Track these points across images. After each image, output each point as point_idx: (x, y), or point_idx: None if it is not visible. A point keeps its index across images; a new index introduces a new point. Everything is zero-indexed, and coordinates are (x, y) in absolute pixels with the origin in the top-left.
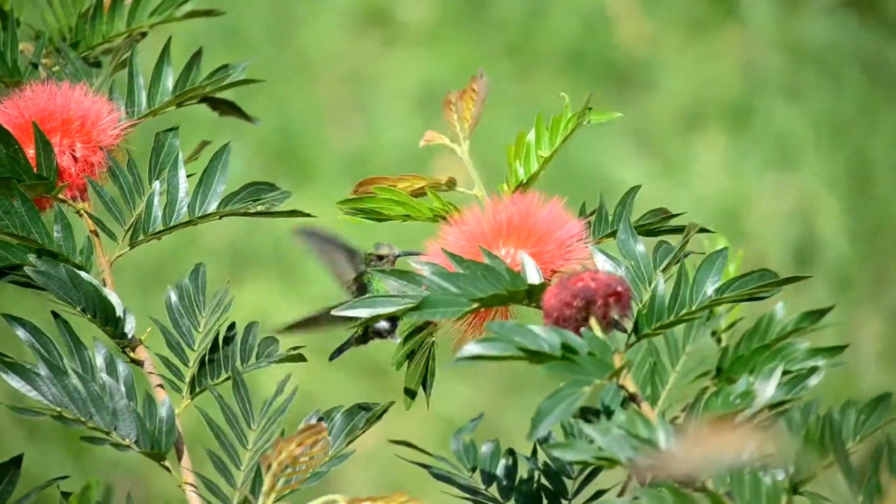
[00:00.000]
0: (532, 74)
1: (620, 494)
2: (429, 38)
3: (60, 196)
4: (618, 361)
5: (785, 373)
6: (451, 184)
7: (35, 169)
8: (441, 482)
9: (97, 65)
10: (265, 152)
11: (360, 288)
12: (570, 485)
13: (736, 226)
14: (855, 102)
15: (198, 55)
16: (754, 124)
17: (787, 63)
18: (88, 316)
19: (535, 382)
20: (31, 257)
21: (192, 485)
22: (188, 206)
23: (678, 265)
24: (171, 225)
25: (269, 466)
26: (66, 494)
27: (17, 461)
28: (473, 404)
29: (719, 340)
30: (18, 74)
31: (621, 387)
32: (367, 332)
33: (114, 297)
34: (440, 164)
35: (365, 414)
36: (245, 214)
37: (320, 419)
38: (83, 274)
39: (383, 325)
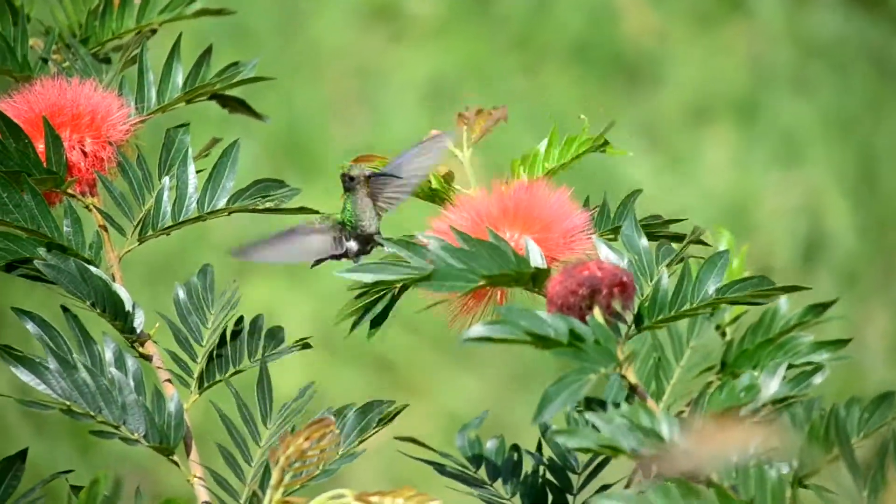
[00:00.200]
0: (539, 68)
1: (626, 488)
2: (436, 33)
3: (70, 191)
4: (620, 352)
5: (790, 367)
6: (449, 178)
7: (45, 163)
8: (447, 477)
9: (107, 61)
10: (273, 148)
11: (341, 231)
12: (576, 480)
13: (743, 220)
14: (863, 97)
15: (208, 52)
16: (762, 119)
17: (795, 57)
18: (98, 310)
19: (542, 376)
20: (41, 251)
21: (200, 478)
22: (197, 202)
23: (682, 265)
24: (180, 220)
25: (276, 460)
26: (75, 489)
27: (21, 455)
28: (479, 398)
29: (723, 335)
30: (28, 70)
31: (623, 377)
32: (345, 254)
33: (123, 292)
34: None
35: (378, 411)
36: (254, 211)
37: (333, 416)
38: (92, 268)
39: (353, 247)
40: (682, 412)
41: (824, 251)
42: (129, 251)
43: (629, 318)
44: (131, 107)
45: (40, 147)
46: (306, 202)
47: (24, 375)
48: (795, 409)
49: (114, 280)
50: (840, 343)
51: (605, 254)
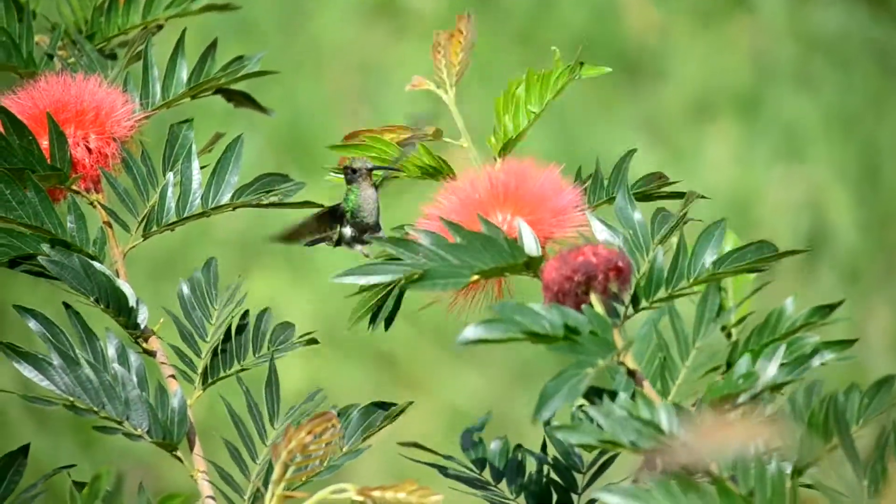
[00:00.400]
0: (542, 64)
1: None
2: (438, 28)
3: (74, 187)
4: (618, 338)
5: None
6: (438, 135)
7: (49, 160)
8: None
9: (112, 57)
10: (276, 143)
11: (341, 216)
12: (581, 479)
13: (745, 216)
14: (865, 93)
15: (213, 46)
16: (764, 115)
17: (798, 53)
18: (101, 306)
19: (545, 370)
20: (45, 247)
21: (204, 473)
22: (201, 198)
23: (678, 237)
24: (185, 216)
25: (278, 455)
26: (78, 485)
27: (24, 450)
28: (482, 394)
29: (729, 335)
30: (34, 65)
31: (621, 363)
32: (340, 240)
33: (127, 288)
34: (447, 154)
35: (382, 412)
36: (258, 206)
37: (337, 415)
38: (96, 264)
39: (347, 233)
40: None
41: (826, 247)
42: (133, 247)
43: (626, 299)
44: (136, 102)
45: (44, 143)
46: (309, 197)
47: (28, 371)
48: (795, 395)
49: (118, 276)
50: (846, 343)
51: (599, 232)
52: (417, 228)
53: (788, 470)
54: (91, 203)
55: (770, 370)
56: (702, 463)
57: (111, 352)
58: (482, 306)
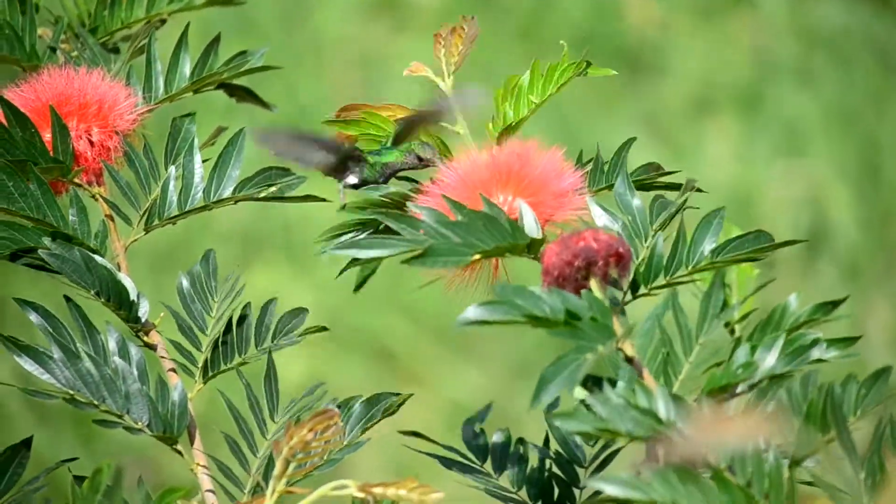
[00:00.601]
0: (543, 59)
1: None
2: (439, 23)
3: (76, 180)
4: (617, 325)
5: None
6: (436, 117)
7: (51, 152)
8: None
9: (116, 51)
10: None
11: (351, 164)
12: (583, 473)
13: (746, 212)
14: (866, 89)
15: (216, 41)
16: (765, 110)
17: (799, 49)
18: (102, 300)
19: (543, 365)
20: (46, 240)
21: (204, 467)
22: (203, 191)
23: (677, 225)
24: (187, 210)
25: (280, 451)
26: (78, 479)
27: (26, 443)
28: (481, 387)
29: (732, 331)
30: (37, 59)
31: (619, 350)
32: (333, 172)
33: (128, 282)
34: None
35: (383, 404)
36: (260, 199)
37: (338, 407)
38: (98, 258)
39: (351, 180)
40: None
41: (827, 243)
42: (134, 241)
43: (625, 285)
44: (138, 96)
45: (47, 136)
46: (311, 190)
47: (28, 365)
48: (792, 385)
49: (119, 269)
50: (849, 341)
51: (599, 217)
52: (418, 204)
53: (786, 461)
54: (93, 196)
55: (769, 360)
56: (702, 455)
57: (112, 345)
58: (479, 289)
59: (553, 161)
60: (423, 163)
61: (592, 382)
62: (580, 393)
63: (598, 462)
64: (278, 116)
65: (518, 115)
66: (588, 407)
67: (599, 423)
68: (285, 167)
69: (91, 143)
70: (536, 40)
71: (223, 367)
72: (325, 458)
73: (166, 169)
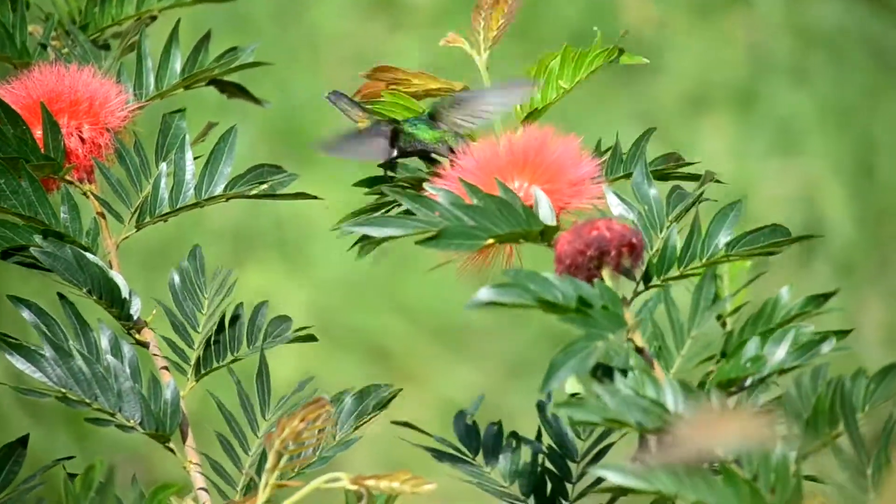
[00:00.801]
0: (536, 56)
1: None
2: (434, 22)
3: (67, 177)
4: (628, 315)
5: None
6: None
7: (42, 150)
8: (444, 464)
9: (106, 47)
10: (270, 135)
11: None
12: (575, 468)
13: (740, 210)
14: (861, 87)
15: (207, 37)
16: (760, 108)
17: (794, 47)
18: (94, 297)
19: (539, 364)
20: (38, 238)
21: (197, 464)
22: (194, 188)
23: (693, 216)
24: (178, 207)
25: (272, 444)
26: (71, 476)
27: (23, 441)
28: (475, 386)
29: (724, 325)
30: (27, 56)
31: (629, 340)
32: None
33: (120, 279)
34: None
35: (375, 396)
36: (251, 196)
37: (329, 402)
38: (89, 255)
39: (394, 153)
40: None
41: (821, 241)
42: (126, 238)
43: (638, 275)
44: (129, 93)
45: (38, 133)
46: (302, 189)
47: (20, 363)
48: (802, 379)
49: (111, 267)
50: (841, 334)
51: (614, 206)
52: (434, 186)
53: (793, 455)
54: (84, 193)
55: (778, 354)
56: (703, 448)
57: (104, 343)
58: (491, 274)
59: (570, 149)
60: (452, 154)
61: (601, 371)
62: (571, 387)
63: (590, 456)
64: (271, 113)
65: (546, 99)
66: (578, 398)
67: (607, 414)
68: (277, 164)
69: (82, 140)
70: (532, 38)
71: (215, 365)
72: (317, 452)
73: (157, 166)
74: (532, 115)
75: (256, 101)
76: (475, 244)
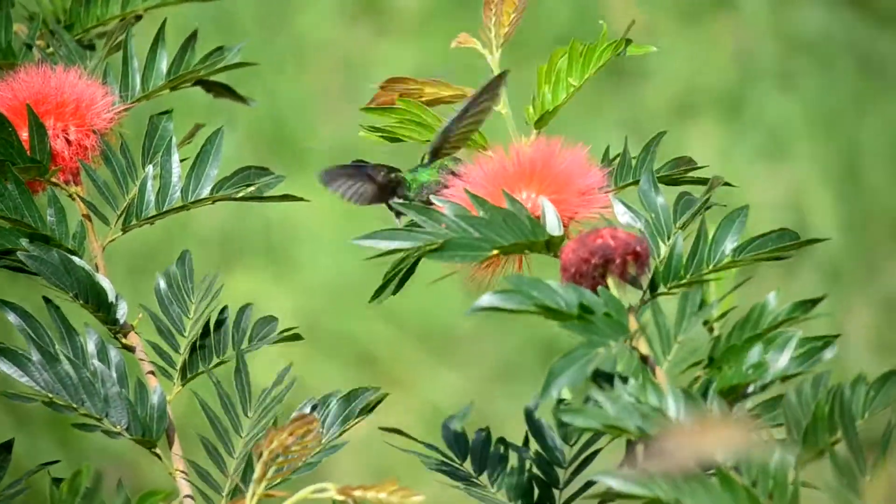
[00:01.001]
0: (525, 62)
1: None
2: (421, 27)
3: (53, 179)
4: (632, 321)
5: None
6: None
7: (29, 152)
8: (432, 471)
9: (91, 47)
10: (256, 140)
11: (395, 187)
12: (563, 474)
13: (746, 215)
14: (847, 93)
15: (193, 37)
16: (746, 114)
17: (780, 53)
18: (81, 302)
19: (525, 370)
20: (24, 242)
21: (183, 472)
22: (181, 191)
23: (699, 223)
24: (164, 210)
25: (260, 455)
26: (57, 481)
27: (7, 446)
28: (462, 392)
29: (711, 330)
30: (13, 56)
31: (634, 348)
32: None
33: (106, 283)
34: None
35: (362, 399)
36: (238, 199)
37: (314, 406)
38: (76, 259)
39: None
40: None
41: (808, 246)
42: (112, 240)
43: (644, 283)
44: (115, 94)
45: (24, 135)
46: (289, 192)
47: (7, 367)
48: (803, 386)
49: (97, 270)
50: (828, 338)
51: (621, 214)
52: (441, 198)
53: (792, 460)
54: (70, 196)
55: (781, 361)
56: (696, 454)
57: (91, 347)
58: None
59: (577, 158)
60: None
61: (601, 378)
62: (561, 393)
63: (577, 462)
64: (258, 117)
65: (556, 98)
66: (564, 404)
67: (608, 420)
68: (264, 167)
69: (68, 142)
70: (519, 43)
71: (201, 369)
72: (303, 460)
73: (144, 168)
74: (544, 118)
75: (243, 99)
76: (479, 255)
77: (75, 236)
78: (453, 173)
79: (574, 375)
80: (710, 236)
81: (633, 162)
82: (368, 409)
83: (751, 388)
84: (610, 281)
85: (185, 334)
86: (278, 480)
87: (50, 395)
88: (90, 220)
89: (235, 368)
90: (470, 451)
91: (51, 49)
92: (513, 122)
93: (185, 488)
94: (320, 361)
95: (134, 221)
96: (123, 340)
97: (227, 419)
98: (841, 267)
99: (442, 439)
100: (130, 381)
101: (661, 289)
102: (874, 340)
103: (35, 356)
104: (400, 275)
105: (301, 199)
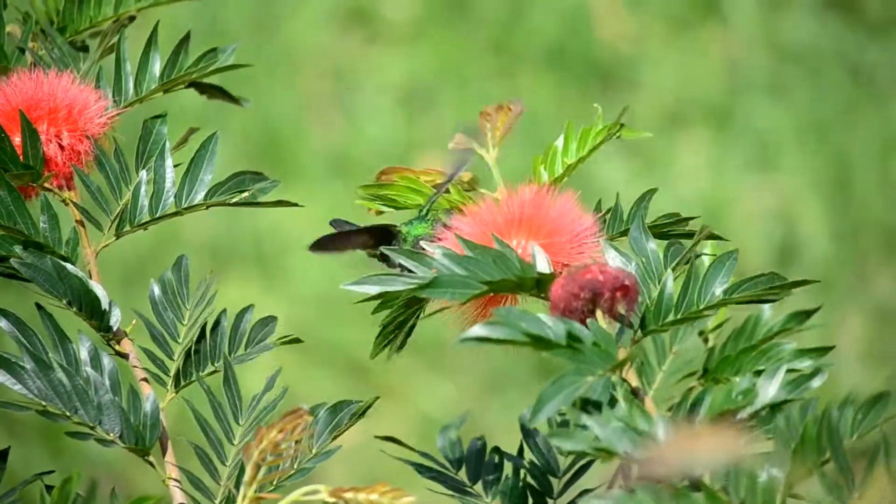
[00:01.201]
0: (515, 72)
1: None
2: (411, 36)
3: (47, 185)
4: (622, 354)
5: (788, 371)
6: (474, 182)
7: (21, 157)
8: (425, 479)
9: (84, 49)
10: (248, 148)
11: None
12: (557, 484)
13: (717, 226)
14: (837, 103)
15: (185, 40)
16: (736, 123)
17: (770, 62)
18: (74, 309)
19: (517, 380)
20: (18, 249)
21: (176, 480)
22: (175, 196)
23: (689, 265)
24: (158, 215)
25: (250, 456)
26: (49, 488)
27: (2, 455)
28: (454, 402)
29: (706, 341)
30: (5, 59)
31: (624, 380)
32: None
33: (99, 290)
34: (424, 161)
35: (349, 410)
36: (232, 205)
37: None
38: (69, 266)
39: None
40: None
41: (798, 256)
42: (105, 246)
43: (635, 321)
44: (108, 99)
45: (17, 141)
46: (283, 197)
47: (0, 375)
48: (790, 410)
49: (90, 276)
50: (822, 350)
51: (612, 258)
52: (433, 245)
53: (781, 478)
54: (63, 201)
55: (770, 389)
56: (687, 472)
57: (84, 355)
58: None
59: (567, 205)
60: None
61: (588, 403)
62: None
63: (571, 472)
64: (250, 126)
65: (552, 174)
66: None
67: (596, 444)
68: (258, 171)
69: (61, 147)
70: (508, 53)
71: (195, 376)
72: (295, 464)
73: (137, 173)
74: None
75: (236, 101)
76: (467, 293)
77: (68, 242)
78: (446, 225)
79: (563, 402)
80: (701, 278)
81: (626, 215)
82: (360, 413)
83: (740, 416)
84: (598, 314)
85: (180, 340)
86: (271, 487)
87: (43, 404)
88: (83, 225)
89: (224, 377)
90: (465, 460)
91: (43, 51)
92: (497, 171)
93: (178, 496)
94: (312, 371)
95: (128, 227)
96: (117, 347)
97: (219, 427)
98: (831, 277)
99: (437, 448)
100: (123, 389)
101: (652, 326)
102: (865, 350)
103: (29, 364)
104: (404, 329)
105: (294, 205)
